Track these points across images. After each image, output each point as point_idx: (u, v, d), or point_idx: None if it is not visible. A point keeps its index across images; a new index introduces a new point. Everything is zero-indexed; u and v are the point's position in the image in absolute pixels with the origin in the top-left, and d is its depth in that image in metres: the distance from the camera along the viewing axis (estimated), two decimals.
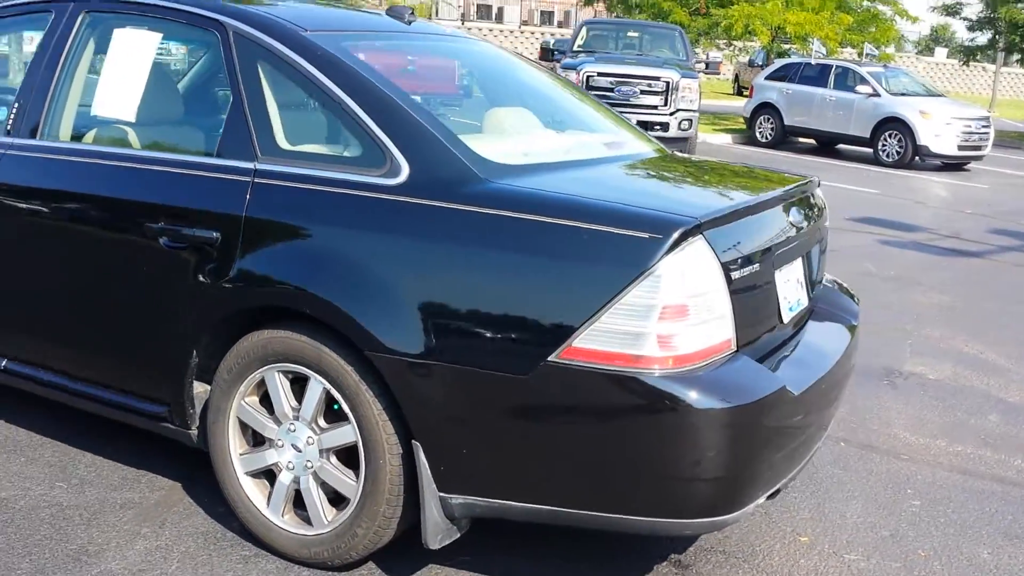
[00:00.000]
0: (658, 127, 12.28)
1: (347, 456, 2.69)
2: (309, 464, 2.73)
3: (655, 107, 12.34)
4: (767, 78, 17.65)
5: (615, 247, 2.34)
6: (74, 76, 3.23)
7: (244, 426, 2.84)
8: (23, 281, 3.20)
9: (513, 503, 2.49)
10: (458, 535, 2.63)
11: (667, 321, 2.31)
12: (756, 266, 2.57)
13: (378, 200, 2.58)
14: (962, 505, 3.52)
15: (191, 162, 2.91)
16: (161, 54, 3.31)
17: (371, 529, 2.63)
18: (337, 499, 2.75)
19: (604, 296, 2.31)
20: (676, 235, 2.31)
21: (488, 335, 2.42)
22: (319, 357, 2.61)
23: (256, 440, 2.86)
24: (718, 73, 17.16)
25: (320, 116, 2.79)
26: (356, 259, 2.56)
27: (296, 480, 2.77)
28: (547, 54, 14.08)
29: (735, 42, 21.73)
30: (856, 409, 4.42)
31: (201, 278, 2.76)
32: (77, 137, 3.23)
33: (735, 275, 2.46)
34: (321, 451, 2.71)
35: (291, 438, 2.75)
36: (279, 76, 2.84)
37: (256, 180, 2.75)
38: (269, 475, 2.84)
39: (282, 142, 2.80)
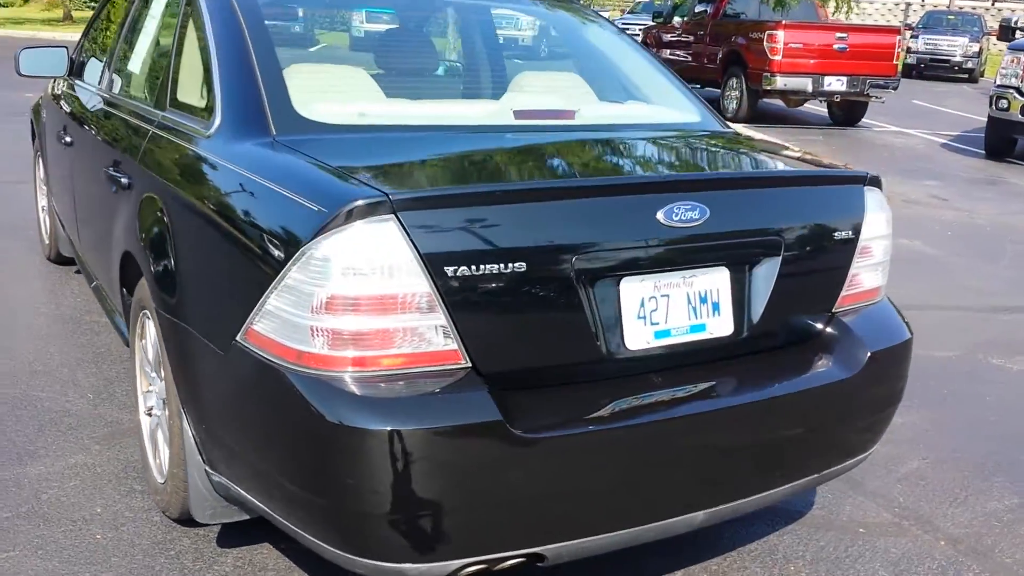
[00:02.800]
0: None
1: None
2: (158, 413, 2.76)
3: None
4: None
5: (291, 219, 2.00)
6: (128, 38, 3.61)
7: None
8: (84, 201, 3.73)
9: (243, 492, 2.27)
10: (242, 517, 2.47)
11: (337, 315, 1.91)
12: (521, 266, 1.99)
13: (182, 149, 2.57)
14: None
15: (139, 110, 3.09)
16: None
17: (175, 489, 2.59)
18: None
19: (272, 275, 1.99)
20: (346, 210, 1.89)
21: (210, 305, 2.24)
22: (151, 306, 2.62)
23: None
24: None
25: (204, 70, 2.77)
26: (160, 208, 2.55)
27: (156, 426, 2.82)
28: (1006, 32, 11.93)
29: None
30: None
31: (118, 219, 2.93)
32: (112, 84, 3.63)
33: (460, 273, 1.94)
34: (160, 400, 2.73)
35: (155, 384, 2.81)
36: (197, 33, 2.85)
37: (153, 130, 2.83)
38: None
39: (180, 94, 2.84)
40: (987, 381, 4.34)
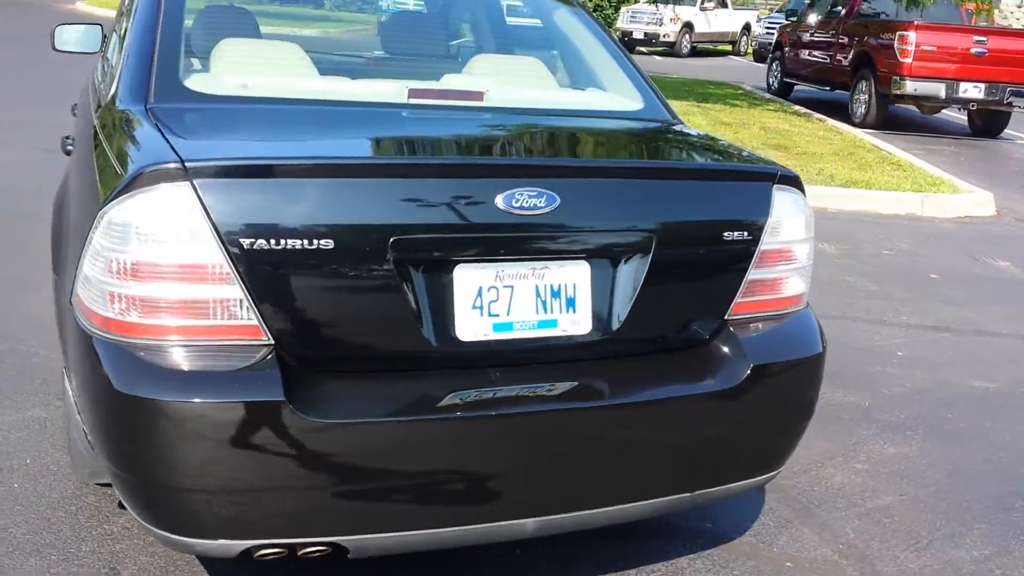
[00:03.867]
0: None
1: None
2: None
3: None
4: None
5: (106, 182, 2.02)
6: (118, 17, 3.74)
7: None
8: None
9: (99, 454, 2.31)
10: None
11: (129, 281, 1.89)
12: (327, 244, 1.91)
13: (88, 117, 2.64)
14: None
15: (96, 83, 3.19)
16: None
17: (71, 446, 2.66)
18: None
19: (85, 239, 2.00)
20: (140, 175, 1.88)
21: (66, 265, 2.28)
22: None
23: None
24: None
25: (123, 45, 2.80)
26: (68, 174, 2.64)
27: None
28: None
29: None
30: None
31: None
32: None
33: (258, 246, 1.88)
34: None
35: None
36: (131, 10, 2.86)
37: (89, 100, 2.94)
38: None
39: (109, 67, 2.91)
40: (1018, 419, 3.95)
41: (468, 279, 2.06)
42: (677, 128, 2.84)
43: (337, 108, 2.50)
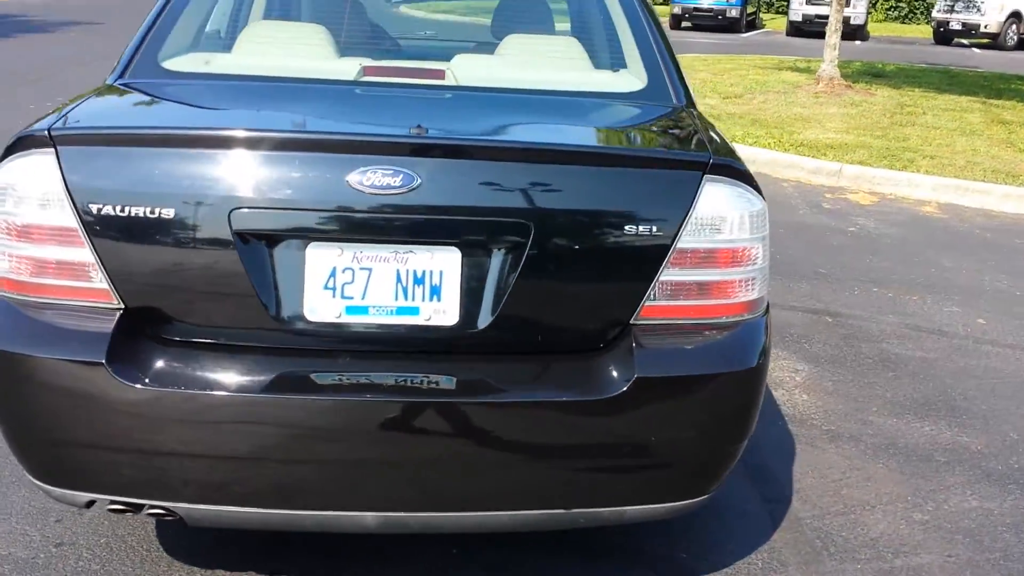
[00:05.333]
0: None
1: None
2: None
3: None
4: None
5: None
6: None
7: None
8: None
9: None
10: None
11: (10, 240, 2.01)
12: (168, 213, 1.93)
13: None
14: None
15: None
16: None
17: None
18: None
19: None
20: (19, 140, 2.01)
21: None
22: None
23: None
24: None
25: None
26: None
27: None
28: None
29: None
30: None
31: None
32: None
33: (105, 212, 1.93)
34: None
35: None
36: None
37: None
38: None
39: None
40: None
41: (320, 258, 1.99)
42: (664, 111, 2.52)
43: (277, 84, 2.45)
